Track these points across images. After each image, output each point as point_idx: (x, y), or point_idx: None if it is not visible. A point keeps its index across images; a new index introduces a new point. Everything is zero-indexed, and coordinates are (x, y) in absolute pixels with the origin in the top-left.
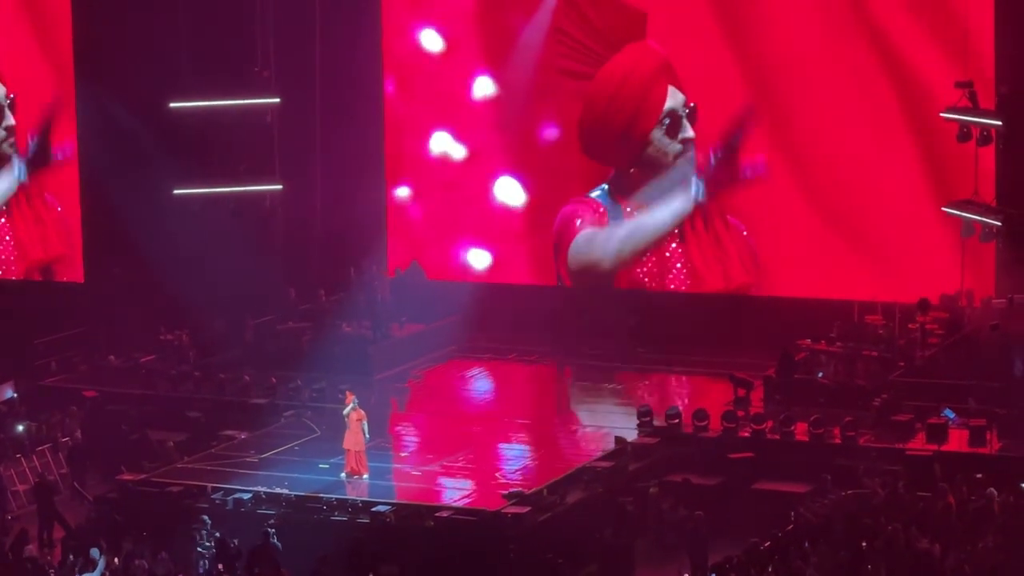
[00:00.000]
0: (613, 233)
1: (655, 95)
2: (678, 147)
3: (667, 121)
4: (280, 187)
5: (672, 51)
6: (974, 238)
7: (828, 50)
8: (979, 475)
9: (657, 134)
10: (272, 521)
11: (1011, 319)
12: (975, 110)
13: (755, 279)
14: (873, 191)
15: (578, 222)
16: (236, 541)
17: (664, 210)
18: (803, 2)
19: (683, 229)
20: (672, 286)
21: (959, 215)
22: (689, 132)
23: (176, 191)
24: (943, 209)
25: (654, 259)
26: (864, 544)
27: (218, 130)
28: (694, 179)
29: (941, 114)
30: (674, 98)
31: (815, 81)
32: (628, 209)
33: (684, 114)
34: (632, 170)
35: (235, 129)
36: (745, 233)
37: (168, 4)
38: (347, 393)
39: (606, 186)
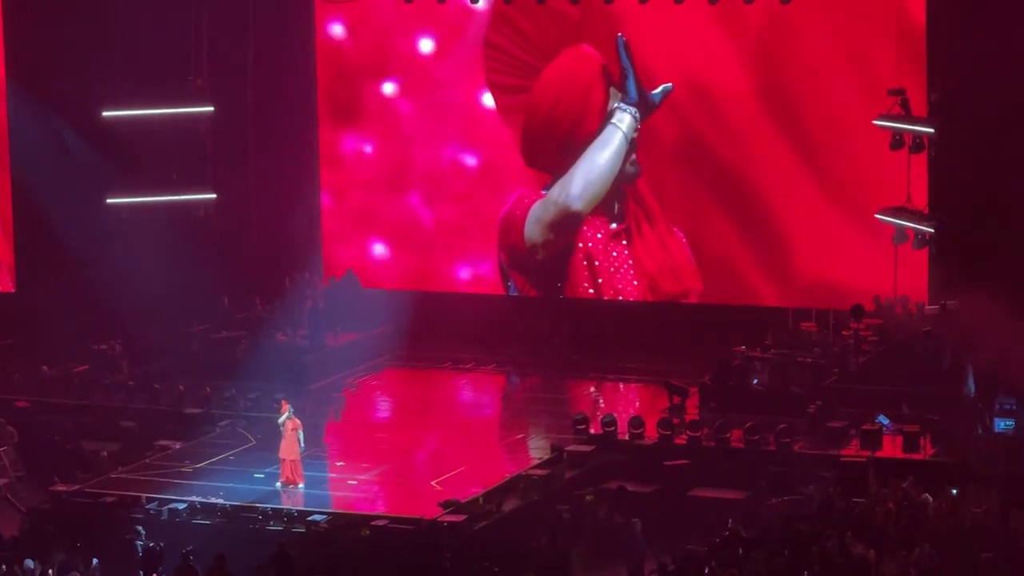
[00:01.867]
0: (568, 182)
1: (596, 98)
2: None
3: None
4: (214, 196)
5: (607, 54)
6: (907, 245)
7: (760, 55)
8: (910, 476)
9: None
10: (190, 547)
11: (944, 325)
12: (907, 117)
13: (691, 286)
14: (806, 198)
15: (526, 201)
16: (161, 544)
17: (605, 148)
18: (735, 6)
19: (629, 230)
20: (620, 285)
21: (892, 222)
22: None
23: (109, 200)
24: (876, 216)
25: (599, 261)
26: (799, 550)
27: (151, 139)
28: (618, 110)
29: (874, 121)
30: (615, 100)
31: (746, 85)
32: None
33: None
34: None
35: (168, 138)
36: (684, 240)
37: (101, 12)
38: (282, 402)
39: (544, 192)
